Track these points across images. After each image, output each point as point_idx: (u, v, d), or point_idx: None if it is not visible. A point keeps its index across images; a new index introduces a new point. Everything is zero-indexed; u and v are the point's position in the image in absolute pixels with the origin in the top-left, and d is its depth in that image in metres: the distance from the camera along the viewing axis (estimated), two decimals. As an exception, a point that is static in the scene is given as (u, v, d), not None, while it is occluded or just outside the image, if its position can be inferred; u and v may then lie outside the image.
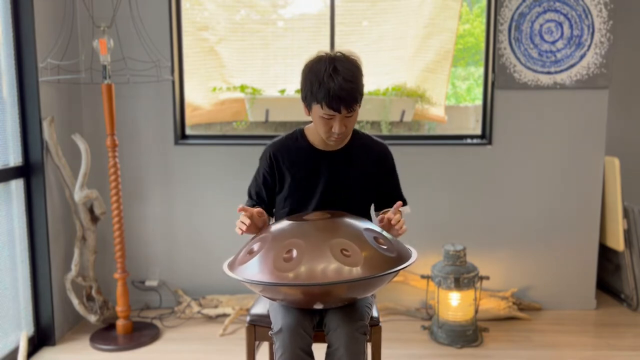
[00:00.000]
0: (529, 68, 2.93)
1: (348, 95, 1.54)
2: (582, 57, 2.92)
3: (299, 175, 1.74)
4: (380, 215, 1.63)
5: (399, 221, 1.58)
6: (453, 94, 3.49)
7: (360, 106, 1.64)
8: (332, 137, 1.64)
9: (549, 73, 2.93)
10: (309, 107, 1.63)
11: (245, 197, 1.86)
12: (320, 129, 1.64)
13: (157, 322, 2.92)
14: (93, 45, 2.58)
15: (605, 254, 3.25)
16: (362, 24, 3.22)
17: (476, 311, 2.73)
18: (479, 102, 3.16)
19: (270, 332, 1.57)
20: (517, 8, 2.89)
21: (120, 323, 2.73)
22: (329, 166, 1.73)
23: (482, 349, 2.63)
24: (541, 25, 2.91)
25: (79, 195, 2.66)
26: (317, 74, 1.55)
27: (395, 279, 2.97)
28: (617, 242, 3.03)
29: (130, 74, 2.78)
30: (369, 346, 1.71)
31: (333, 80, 1.53)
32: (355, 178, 1.74)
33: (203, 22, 3.18)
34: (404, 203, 1.84)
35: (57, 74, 2.63)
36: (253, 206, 1.79)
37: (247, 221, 1.59)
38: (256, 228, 1.64)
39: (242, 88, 3.20)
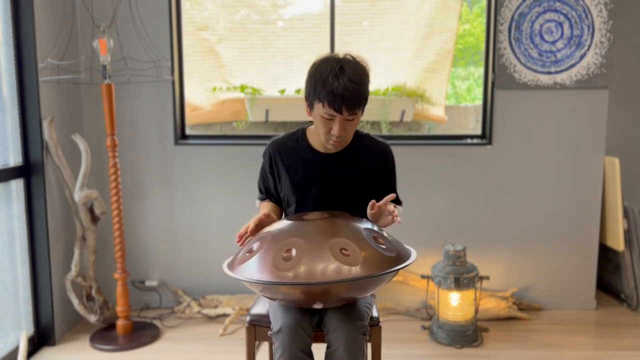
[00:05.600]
0: (529, 68, 2.93)
1: (351, 96, 1.53)
2: (582, 57, 2.92)
3: (296, 176, 1.74)
4: (372, 202, 1.59)
5: (393, 210, 1.56)
6: (453, 94, 3.49)
7: (362, 111, 1.62)
8: (331, 139, 1.62)
9: (549, 73, 2.93)
10: (311, 106, 1.62)
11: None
12: (319, 130, 1.63)
13: (157, 322, 2.92)
14: (93, 45, 2.59)
15: (605, 254, 3.25)
16: (362, 24, 3.22)
17: (476, 311, 2.73)
18: (479, 102, 3.16)
19: (269, 332, 1.57)
20: (517, 8, 2.89)
21: (120, 323, 2.73)
22: (327, 169, 1.72)
23: (482, 349, 2.63)
24: (541, 25, 2.91)
25: (79, 195, 2.66)
26: (322, 73, 1.55)
27: (395, 278, 2.97)
28: (617, 242, 3.03)
29: (130, 74, 2.78)
30: (368, 346, 1.71)
31: (338, 79, 1.52)
32: (354, 181, 1.73)
33: (203, 22, 3.18)
34: (399, 203, 1.83)
35: (57, 74, 2.63)
36: (264, 200, 1.86)
37: (247, 228, 1.59)
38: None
39: (242, 88, 3.20)
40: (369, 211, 1.60)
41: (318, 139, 1.71)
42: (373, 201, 1.58)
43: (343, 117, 1.56)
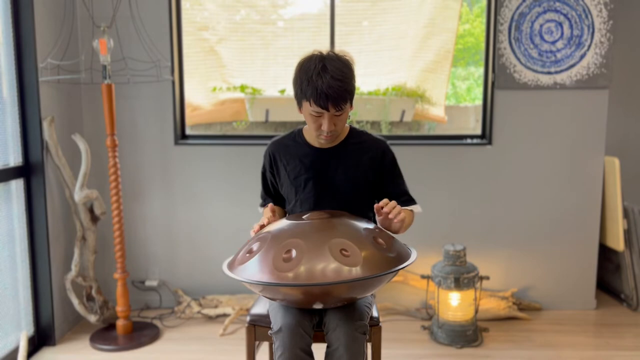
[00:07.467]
0: (529, 68, 2.93)
1: (336, 94, 1.56)
2: (582, 57, 2.92)
3: (293, 171, 1.77)
4: (376, 205, 1.59)
5: (393, 208, 1.55)
6: (453, 94, 3.49)
7: (351, 106, 1.67)
8: (322, 135, 1.67)
9: (549, 73, 2.93)
10: (299, 104, 1.66)
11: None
12: (310, 127, 1.68)
13: (157, 322, 2.92)
14: (93, 45, 2.59)
15: (605, 254, 3.25)
16: (362, 24, 3.22)
17: (476, 311, 2.73)
18: (479, 102, 3.16)
19: (269, 332, 1.57)
20: (517, 8, 2.89)
21: (120, 323, 2.73)
22: (322, 162, 1.75)
23: (482, 349, 2.63)
24: (541, 25, 2.91)
25: (79, 195, 2.66)
26: (306, 72, 1.59)
27: (395, 278, 2.97)
28: (617, 242, 3.03)
29: (130, 74, 2.78)
30: (368, 346, 1.71)
31: (321, 78, 1.55)
32: (350, 175, 1.75)
33: (203, 22, 3.18)
34: (412, 202, 1.82)
35: (57, 74, 2.63)
36: (264, 206, 1.91)
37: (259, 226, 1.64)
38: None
39: (242, 88, 3.20)
40: (377, 218, 1.62)
41: (313, 135, 1.74)
42: (376, 205, 1.58)
43: (331, 113, 1.60)
